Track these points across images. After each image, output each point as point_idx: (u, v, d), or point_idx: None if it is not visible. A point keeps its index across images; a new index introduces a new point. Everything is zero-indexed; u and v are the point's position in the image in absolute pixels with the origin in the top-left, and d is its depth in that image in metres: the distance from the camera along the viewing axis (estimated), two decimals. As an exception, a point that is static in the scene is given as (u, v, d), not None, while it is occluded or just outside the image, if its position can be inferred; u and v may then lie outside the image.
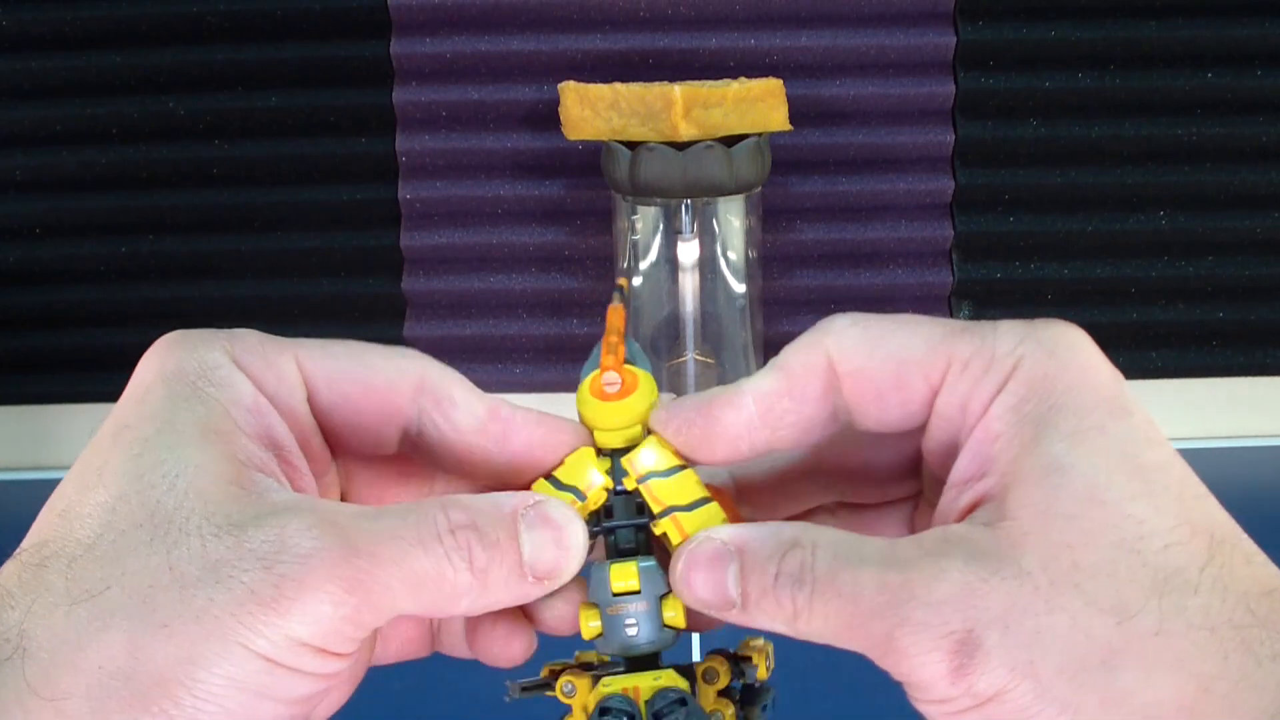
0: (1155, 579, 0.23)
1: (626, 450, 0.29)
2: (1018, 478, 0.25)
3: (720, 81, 0.73)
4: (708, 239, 0.78)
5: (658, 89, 0.70)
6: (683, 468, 0.28)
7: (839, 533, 0.26)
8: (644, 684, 0.28)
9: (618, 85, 0.72)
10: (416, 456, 0.30)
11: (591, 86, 0.72)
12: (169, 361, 0.26)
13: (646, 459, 0.28)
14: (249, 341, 0.27)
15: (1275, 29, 0.80)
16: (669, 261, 0.78)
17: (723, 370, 0.81)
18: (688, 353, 0.79)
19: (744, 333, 0.81)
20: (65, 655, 0.23)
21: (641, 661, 0.28)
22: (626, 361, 0.29)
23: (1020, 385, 0.25)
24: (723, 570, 0.26)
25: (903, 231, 0.85)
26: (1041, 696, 0.23)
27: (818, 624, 0.25)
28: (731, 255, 0.79)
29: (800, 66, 0.82)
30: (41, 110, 0.83)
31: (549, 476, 0.29)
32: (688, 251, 0.77)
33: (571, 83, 0.74)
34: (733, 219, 0.78)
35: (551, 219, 0.85)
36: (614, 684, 0.28)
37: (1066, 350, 0.26)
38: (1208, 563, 0.24)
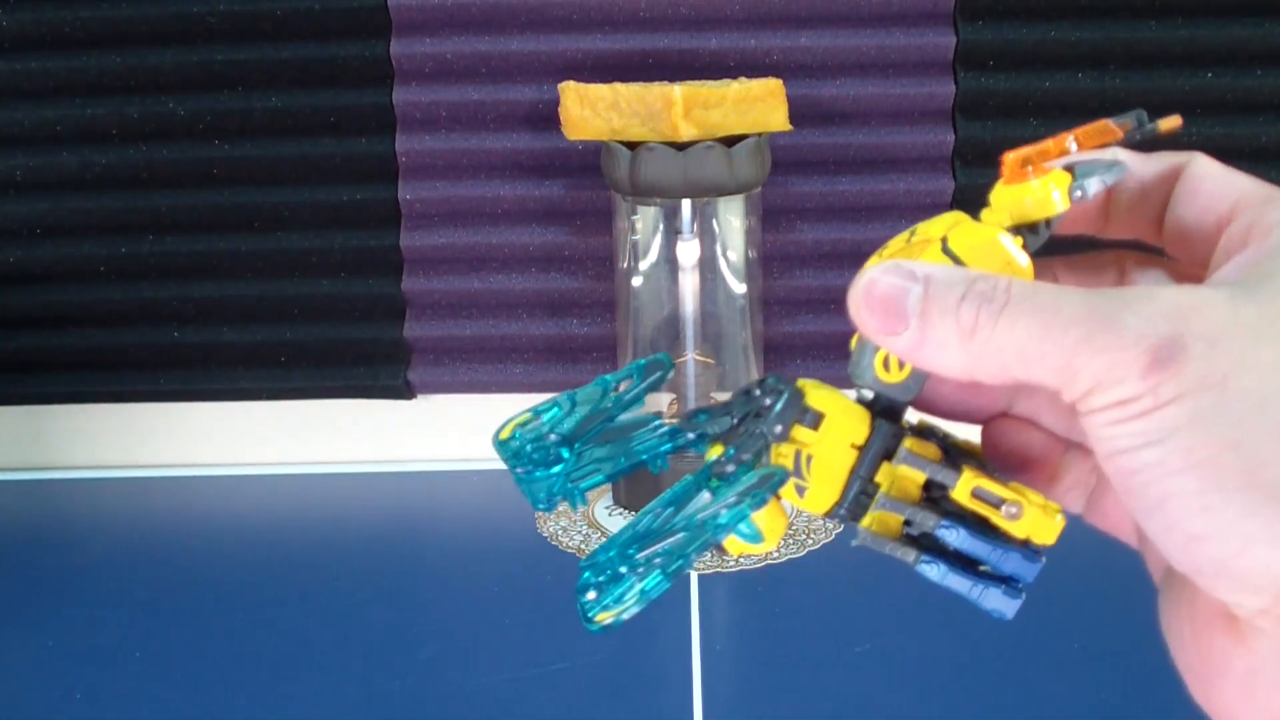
0: None
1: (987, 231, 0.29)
2: (1265, 259, 0.25)
3: (720, 81, 0.73)
4: (708, 239, 0.78)
5: (658, 89, 0.70)
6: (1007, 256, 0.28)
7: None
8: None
9: (618, 85, 0.72)
10: None
11: (591, 87, 0.72)
12: None
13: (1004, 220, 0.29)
14: None
15: (1275, 29, 0.80)
16: (669, 261, 0.78)
17: (723, 370, 0.81)
18: (688, 352, 0.79)
19: (744, 333, 0.81)
20: None
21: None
22: (1079, 176, 0.28)
23: None
24: (905, 286, 0.26)
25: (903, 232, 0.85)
26: (1218, 408, 0.23)
27: (1000, 339, 0.24)
28: (731, 255, 0.79)
29: (800, 66, 0.82)
30: (41, 110, 0.83)
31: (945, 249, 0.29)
32: (688, 251, 0.77)
33: (571, 83, 0.74)
34: (733, 219, 0.78)
35: (551, 219, 0.85)
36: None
37: None
38: None
